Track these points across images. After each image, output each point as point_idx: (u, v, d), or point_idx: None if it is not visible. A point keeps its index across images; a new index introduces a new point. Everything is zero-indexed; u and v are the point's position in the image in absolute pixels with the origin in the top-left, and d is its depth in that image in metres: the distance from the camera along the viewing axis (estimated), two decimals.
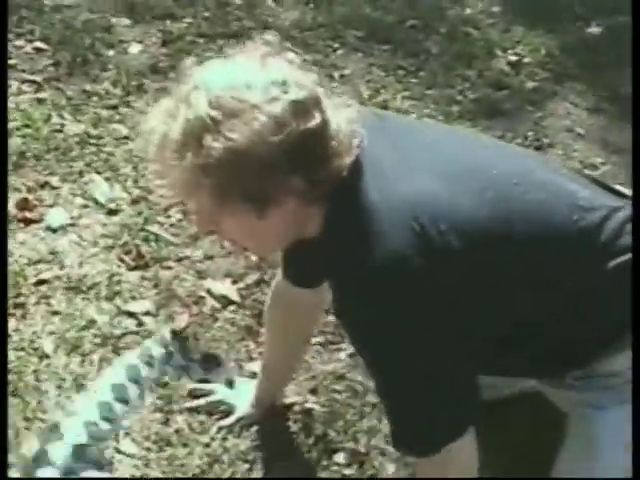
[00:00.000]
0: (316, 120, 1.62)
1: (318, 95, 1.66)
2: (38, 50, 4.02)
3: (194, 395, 2.49)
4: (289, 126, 1.59)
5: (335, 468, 2.35)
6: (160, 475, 2.28)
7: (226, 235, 1.83)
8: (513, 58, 4.22)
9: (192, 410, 2.45)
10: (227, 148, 1.57)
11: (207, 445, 2.37)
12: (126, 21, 4.31)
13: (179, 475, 2.29)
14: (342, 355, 2.60)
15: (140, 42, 4.16)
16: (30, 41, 4.07)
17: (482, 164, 1.85)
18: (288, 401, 2.49)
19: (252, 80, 1.61)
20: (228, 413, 2.44)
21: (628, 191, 2.02)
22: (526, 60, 4.20)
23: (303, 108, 1.61)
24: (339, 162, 1.67)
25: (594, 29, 4.51)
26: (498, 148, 2.09)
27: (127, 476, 2.29)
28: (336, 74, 3.99)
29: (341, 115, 1.69)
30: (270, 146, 1.58)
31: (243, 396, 2.46)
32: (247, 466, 2.31)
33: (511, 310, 1.82)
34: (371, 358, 1.78)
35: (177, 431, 2.39)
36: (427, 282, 1.67)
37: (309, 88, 1.65)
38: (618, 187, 2.03)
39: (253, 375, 2.54)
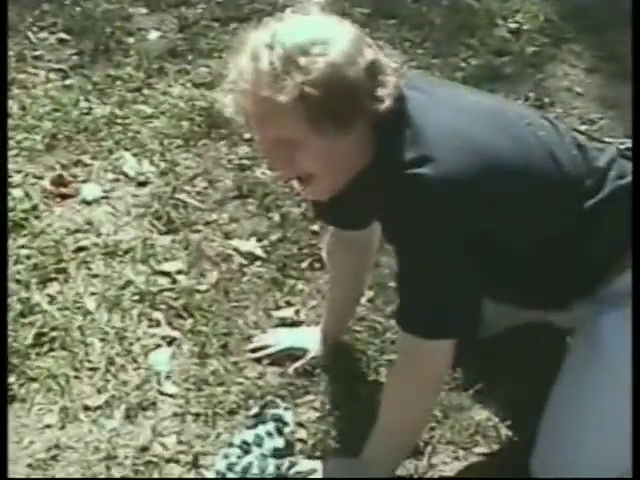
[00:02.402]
0: (371, 53, 1.90)
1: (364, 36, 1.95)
2: (61, 41, 4.24)
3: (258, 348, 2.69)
4: (357, 56, 1.87)
5: (358, 399, 2.55)
6: (201, 411, 2.50)
7: (299, 166, 1.98)
8: (513, 26, 4.39)
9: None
10: (317, 76, 1.83)
11: (241, 384, 2.58)
12: (143, 10, 4.52)
13: (218, 410, 2.50)
14: (362, 300, 2.80)
15: (158, 29, 4.38)
16: (53, 33, 4.30)
17: (497, 107, 2.15)
18: None
19: (314, 32, 1.89)
20: (298, 357, 2.64)
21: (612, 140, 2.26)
22: (525, 27, 4.37)
23: (362, 43, 1.90)
24: (391, 88, 1.92)
25: None
26: (499, 98, 2.33)
27: (169, 414, 2.51)
28: None
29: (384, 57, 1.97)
30: (348, 71, 1.85)
31: (309, 339, 2.66)
32: (279, 400, 2.52)
33: (523, 234, 2.07)
34: (409, 253, 2.01)
35: (214, 372, 2.61)
36: (462, 198, 1.91)
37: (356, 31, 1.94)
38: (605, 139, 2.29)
39: (282, 321, 2.78)
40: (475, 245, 1.96)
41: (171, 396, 2.56)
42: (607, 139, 2.29)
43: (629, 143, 2.23)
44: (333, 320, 2.64)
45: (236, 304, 2.84)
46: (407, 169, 1.90)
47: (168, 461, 2.38)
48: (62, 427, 2.47)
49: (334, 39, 1.86)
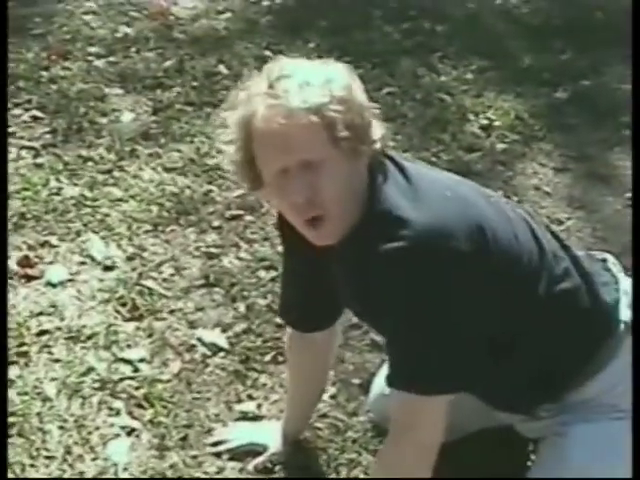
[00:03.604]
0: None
1: None
2: (35, 118, 4.27)
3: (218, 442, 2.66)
4: (356, 84, 1.97)
5: None
6: None
7: (321, 193, 1.93)
8: (484, 122, 4.42)
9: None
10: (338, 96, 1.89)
11: (200, 479, 2.55)
12: (118, 91, 4.57)
13: None
14: (325, 396, 2.78)
15: (132, 110, 4.41)
16: (27, 110, 4.33)
17: (476, 185, 2.16)
18: None
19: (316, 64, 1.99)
20: (258, 453, 2.61)
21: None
22: (496, 123, 4.41)
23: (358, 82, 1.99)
24: (380, 131, 2.00)
25: (561, 94, 4.74)
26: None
27: None
28: None
29: None
30: (358, 92, 1.95)
31: (270, 435, 2.63)
32: None
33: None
34: (406, 308, 1.93)
35: (172, 466, 2.58)
36: (465, 264, 1.91)
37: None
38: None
39: (243, 415, 2.75)
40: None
41: None
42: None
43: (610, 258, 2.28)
44: (294, 417, 2.62)
45: (198, 395, 2.81)
46: (399, 212, 1.90)
47: None
48: None
49: (337, 69, 1.96)
